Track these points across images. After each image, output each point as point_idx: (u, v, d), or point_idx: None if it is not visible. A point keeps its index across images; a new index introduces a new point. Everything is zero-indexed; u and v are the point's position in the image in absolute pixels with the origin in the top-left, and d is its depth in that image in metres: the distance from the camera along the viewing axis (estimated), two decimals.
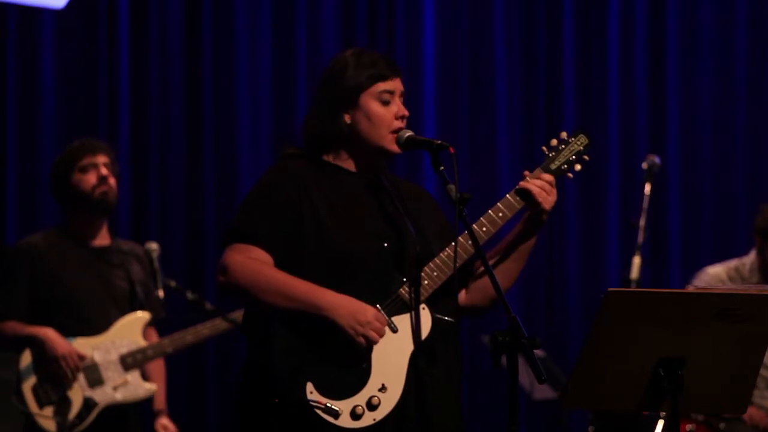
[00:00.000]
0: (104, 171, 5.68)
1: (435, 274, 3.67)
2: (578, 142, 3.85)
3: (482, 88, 7.98)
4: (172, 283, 6.01)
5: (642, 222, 6.38)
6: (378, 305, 3.62)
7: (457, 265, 3.65)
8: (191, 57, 7.52)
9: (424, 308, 3.65)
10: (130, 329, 5.68)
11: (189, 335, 5.78)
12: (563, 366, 6.86)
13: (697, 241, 7.96)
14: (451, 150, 3.65)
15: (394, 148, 3.74)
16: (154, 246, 5.92)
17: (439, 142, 3.68)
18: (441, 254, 3.68)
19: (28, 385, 5.53)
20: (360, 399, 3.58)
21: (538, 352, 3.55)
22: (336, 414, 3.55)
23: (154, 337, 5.82)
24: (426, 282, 3.66)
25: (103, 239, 5.76)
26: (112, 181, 5.70)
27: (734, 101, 8.05)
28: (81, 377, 5.55)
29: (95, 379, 5.58)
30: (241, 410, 3.67)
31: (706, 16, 8.08)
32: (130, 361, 5.64)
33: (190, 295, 5.98)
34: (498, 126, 7.95)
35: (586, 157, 3.85)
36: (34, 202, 7.19)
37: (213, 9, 7.55)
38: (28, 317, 5.58)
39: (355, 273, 3.63)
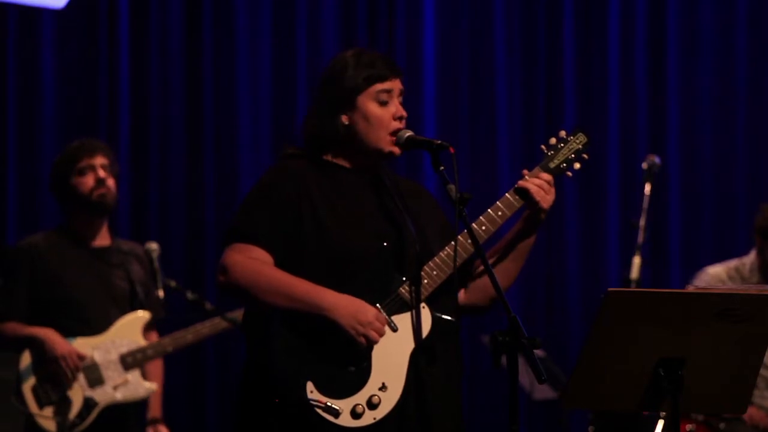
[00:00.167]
0: (102, 173, 5.68)
1: (435, 273, 3.67)
2: (577, 141, 3.85)
3: (482, 88, 7.98)
4: (172, 283, 6.01)
5: (642, 222, 6.38)
6: (378, 304, 3.62)
7: (457, 264, 3.65)
8: (191, 57, 7.52)
9: (424, 307, 3.65)
10: (130, 329, 5.68)
11: (189, 335, 5.78)
12: (563, 366, 6.86)
13: (697, 241, 7.96)
14: (451, 150, 3.65)
15: (393, 149, 3.74)
16: (154, 246, 5.92)
17: (439, 142, 3.68)
18: (441, 253, 3.68)
19: (28, 385, 5.53)
20: (360, 398, 3.58)
21: (538, 352, 3.55)
22: (336, 413, 3.56)
23: (155, 337, 5.82)
24: (426, 281, 3.66)
25: (103, 239, 5.76)
26: (110, 182, 5.70)
27: (734, 101, 8.05)
28: (81, 377, 5.55)
29: (95, 378, 5.58)
30: (241, 410, 3.67)
31: (706, 16, 8.08)
32: (130, 361, 5.64)
33: (190, 295, 5.98)
34: (498, 126, 7.95)
35: (585, 156, 3.85)
36: (34, 202, 7.19)
37: (213, 9, 7.56)
38: (28, 317, 5.58)
39: (354, 272, 3.63)
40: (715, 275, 6.22)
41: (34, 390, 5.52)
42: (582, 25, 8.07)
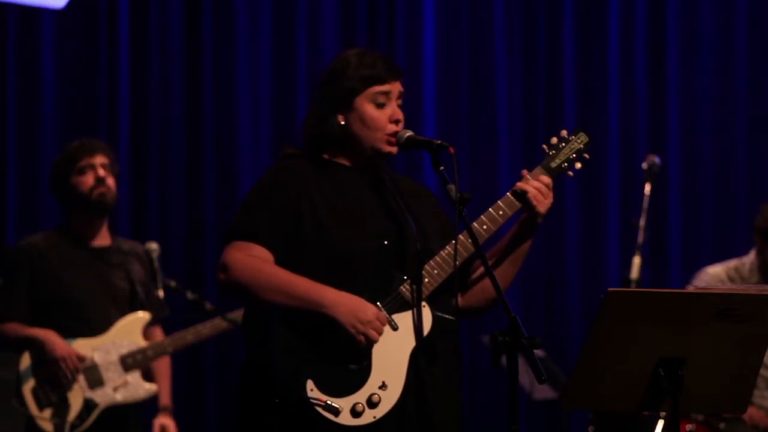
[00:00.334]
0: (102, 172, 5.68)
1: (435, 272, 3.67)
2: (579, 140, 3.85)
3: (482, 88, 7.98)
4: (172, 283, 6.01)
5: (642, 222, 6.38)
6: (378, 303, 3.62)
7: (458, 263, 3.65)
8: (191, 57, 7.52)
9: (424, 306, 3.65)
10: (131, 330, 5.68)
11: (189, 335, 5.78)
12: (563, 366, 6.86)
13: (697, 241, 7.96)
14: (451, 150, 3.65)
15: (389, 149, 3.74)
16: (154, 246, 5.92)
17: (439, 142, 3.68)
18: (442, 252, 3.68)
19: (28, 386, 5.52)
20: (360, 396, 3.58)
21: (538, 352, 3.55)
22: (336, 411, 3.56)
23: (160, 335, 5.82)
24: (426, 280, 3.66)
25: (103, 239, 5.76)
26: (110, 181, 5.70)
27: (734, 101, 8.05)
28: (81, 378, 5.54)
29: (95, 380, 5.58)
30: (241, 410, 3.67)
31: (706, 16, 8.08)
32: (131, 362, 5.63)
33: (190, 295, 5.98)
34: (498, 126, 7.95)
35: (586, 156, 3.85)
36: (34, 202, 7.19)
37: (213, 9, 7.56)
38: (28, 318, 5.57)
39: (355, 272, 3.63)
40: (715, 275, 6.22)
41: (34, 391, 5.52)
42: (582, 25, 8.07)
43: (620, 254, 7.79)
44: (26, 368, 5.53)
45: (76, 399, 5.53)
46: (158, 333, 5.84)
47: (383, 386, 3.60)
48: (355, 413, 3.57)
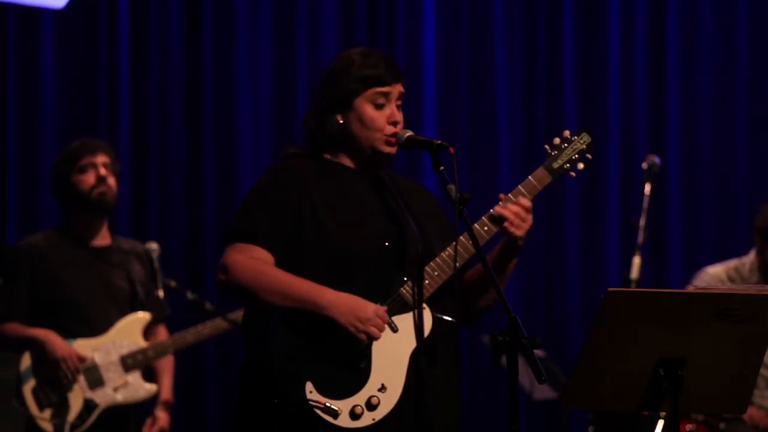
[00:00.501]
0: (103, 171, 5.67)
1: (436, 273, 3.66)
2: (581, 141, 3.85)
3: (482, 88, 7.98)
4: (172, 283, 6.01)
5: (642, 222, 6.38)
6: (378, 304, 3.62)
7: (458, 265, 3.65)
8: (191, 57, 7.52)
9: (424, 308, 3.65)
10: (131, 330, 5.68)
11: (189, 335, 5.78)
12: (563, 366, 6.86)
13: (697, 241, 7.96)
14: (451, 150, 3.64)
15: (388, 149, 3.73)
16: (154, 246, 5.92)
17: (439, 142, 3.68)
18: (442, 254, 3.67)
19: (29, 387, 5.52)
20: (359, 399, 3.58)
21: (538, 352, 3.55)
22: (335, 414, 3.55)
23: (164, 335, 5.81)
24: (427, 282, 3.65)
25: (103, 239, 5.76)
26: (111, 181, 5.70)
27: (734, 101, 8.05)
28: (81, 379, 5.54)
29: (96, 380, 5.58)
30: (241, 410, 3.67)
31: (706, 16, 8.08)
32: (131, 362, 5.63)
33: (190, 295, 5.99)
34: (498, 126, 7.95)
35: (589, 156, 3.84)
36: (34, 202, 7.19)
37: (213, 9, 7.56)
38: (28, 318, 5.57)
39: (355, 272, 3.63)
40: (715, 275, 6.23)
41: (35, 392, 5.52)
42: (582, 25, 8.07)
43: (620, 254, 7.79)
44: (26, 368, 5.53)
45: (76, 399, 5.53)
46: (162, 332, 5.83)
47: (383, 388, 3.60)
48: (354, 415, 3.57)
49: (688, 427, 5.72)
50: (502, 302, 3.42)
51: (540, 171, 3.79)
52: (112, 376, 5.60)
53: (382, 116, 3.73)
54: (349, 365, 3.59)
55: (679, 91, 8.06)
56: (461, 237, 3.65)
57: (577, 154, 3.83)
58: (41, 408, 5.51)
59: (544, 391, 6.92)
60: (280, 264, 3.65)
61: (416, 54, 7.86)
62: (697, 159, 8.04)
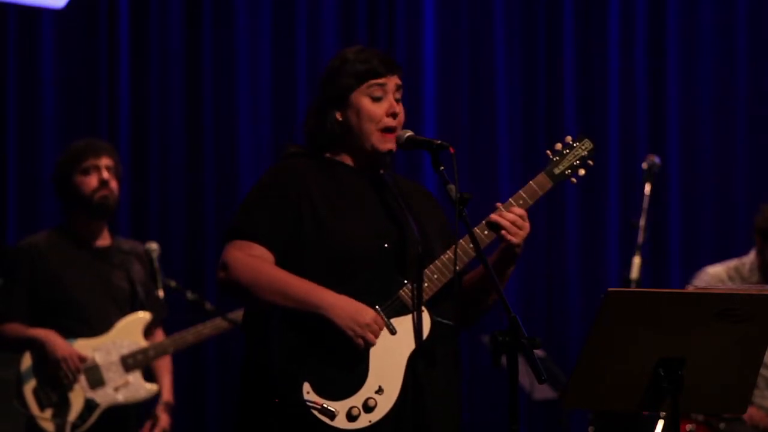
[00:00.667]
0: (106, 175, 5.67)
1: (436, 276, 3.66)
2: (583, 147, 3.85)
3: (482, 88, 7.98)
4: (172, 283, 6.01)
5: (642, 222, 6.37)
6: (377, 306, 3.62)
7: (458, 267, 3.64)
8: (191, 57, 7.52)
9: (423, 311, 3.64)
10: (131, 330, 5.68)
11: (190, 335, 5.78)
12: (563, 366, 6.86)
13: (697, 241, 7.96)
14: (451, 150, 3.64)
15: (387, 146, 3.73)
16: (154, 246, 5.92)
17: (439, 142, 3.68)
18: (442, 257, 3.67)
19: (29, 387, 5.52)
20: (356, 400, 3.58)
21: (538, 352, 3.55)
22: (332, 415, 3.55)
23: (161, 337, 5.81)
24: (426, 284, 3.65)
25: (103, 239, 5.76)
26: (113, 184, 5.69)
27: (734, 101, 8.05)
28: (82, 379, 5.54)
29: (96, 380, 5.58)
30: (241, 410, 3.67)
31: (706, 16, 8.08)
32: (131, 362, 5.63)
33: (190, 295, 5.99)
34: (498, 126, 7.95)
35: (590, 162, 3.84)
36: (34, 202, 7.19)
37: (213, 9, 7.56)
38: (28, 318, 5.57)
39: (355, 273, 3.62)
40: (715, 275, 6.23)
41: (35, 392, 5.52)
42: (582, 25, 8.07)
43: (620, 254, 7.79)
44: (27, 368, 5.53)
45: (77, 399, 5.53)
46: (159, 335, 5.84)
47: (380, 390, 3.59)
48: (351, 417, 3.57)
49: (688, 427, 5.72)
50: (502, 302, 3.42)
51: (541, 176, 3.79)
52: (113, 376, 5.60)
53: (379, 108, 3.73)
54: (347, 367, 3.58)
55: (679, 91, 8.06)
56: (461, 240, 3.65)
57: (578, 160, 3.83)
58: (42, 408, 5.51)
59: (544, 391, 6.92)
60: (280, 264, 3.64)
61: (416, 54, 7.86)
62: (697, 159, 8.04)
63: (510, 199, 3.73)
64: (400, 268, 3.66)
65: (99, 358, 5.59)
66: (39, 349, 5.51)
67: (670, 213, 7.97)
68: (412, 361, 3.62)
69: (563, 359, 7.25)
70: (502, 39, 7.98)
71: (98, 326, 5.62)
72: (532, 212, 3.77)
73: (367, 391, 3.58)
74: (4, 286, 5.62)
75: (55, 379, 5.51)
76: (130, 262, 5.78)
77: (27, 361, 5.53)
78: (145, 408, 5.78)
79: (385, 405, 3.58)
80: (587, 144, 3.85)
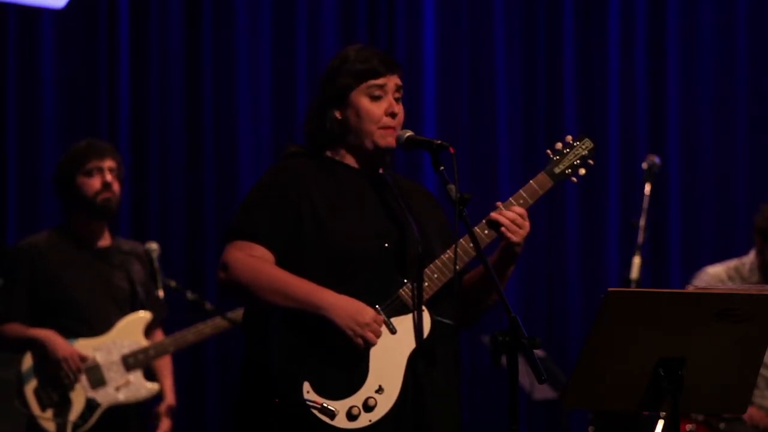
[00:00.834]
0: (109, 177, 5.66)
1: (436, 276, 3.66)
2: (583, 147, 3.85)
3: (482, 88, 7.98)
4: (172, 283, 6.01)
5: (642, 222, 6.38)
6: (377, 306, 3.62)
7: (458, 267, 3.64)
8: (191, 57, 7.52)
9: (423, 310, 3.64)
10: (132, 329, 5.68)
11: (190, 334, 5.78)
12: (563, 366, 6.86)
13: (697, 241, 7.96)
14: (451, 150, 3.64)
15: (386, 142, 3.73)
16: (154, 246, 5.92)
17: (439, 142, 3.68)
18: (443, 256, 3.67)
19: (30, 387, 5.52)
20: (356, 400, 3.58)
21: (538, 352, 3.55)
22: (332, 414, 3.55)
23: (161, 337, 5.81)
24: (426, 284, 3.65)
25: (103, 240, 5.76)
26: (116, 187, 5.69)
27: (734, 101, 8.05)
28: (83, 378, 5.54)
29: (97, 380, 5.58)
30: (241, 410, 3.67)
31: (706, 16, 8.08)
32: (132, 362, 5.63)
33: (190, 295, 5.99)
34: (498, 126, 7.95)
35: (590, 162, 3.85)
36: (34, 202, 7.19)
37: (213, 9, 7.56)
38: (28, 318, 5.57)
39: (355, 272, 3.63)
40: (715, 275, 6.23)
41: (36, 392, 5.52)
42: (582, 25, 8.07)
43: (620, 254, 7.79)
44: (28, 369, 5.53)
45: (78, 399, 5.54)
46: (158, 335, 5.84)
47: (380, 390, 3.59)
48: (351, 416, 3.57)
49: (688, 427, 5.72)
50: (502, 302, 3.42)
51: (542, 176, 3.79)
52: (114, 375, 5.60)
53: (378, 108, 3.74)
54: (347, 366, 3.59)
55: (679, 91, 8.06)
56: (461, 240, 3.65)
57: (578, 159, 3.83)
58: (43, 408, 5.51)
59: (544, 391, 6.92)
60: (280, 264, 3.65)
61: (416, 54, 7.86)
62: (697, 159, 8.04)
63: (510, 199, 3.73)
64: (400, 267, 3.66)
65: (100, 357, 5.59)
66: (40, 349, 5.51)
67: (670, 213, 7.97)
68: (413, 360, 3.62)
69: (563, 359, 7.25)
70: (502, 39, 7.98)
71: (98, 326, 5.62)
72: (533, 212, 3.77)
73: (367, 390, 3.58)
74: (4, 286, 5.62)
75: (56, 379, 5.51)
76: (130, 263, 5.78)
77: (28, 361, 5.53)
78: (146, 407, 5.78)
79: (385, 404, 3.58)
80: (588, 143, 3.86)
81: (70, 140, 5.94)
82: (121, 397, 5.61)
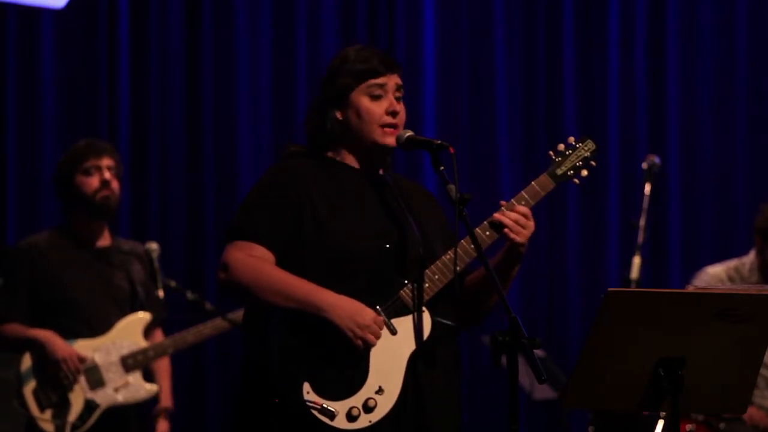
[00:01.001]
0: (107, 175, 5.67)
1: (436, 277, 3.66)
2: (585, 148, 3.85)
3: (482, 88, 7.98)
4: (172, 283, 6.01)
5: (642, 222, 6.38)
6: (378, 307, 3.62)
7: (459, 268, 3.64)
8: (191, 57, 7.52)
9: (424, 311, 3.64)
10: (131, 330, 5.68)
11: (190, 335, 5.78)
12: (563, 366, 6.86)
13: (697, 241, 7.96)
14: (451, 150, 3.64)
15: (387, 141, 3.73)
16: (154, 246, 5.92)
17: (439, 142, 3.68)
18: (443, 257, 3.67)
19: (29, 388, 5.52)
20: (356, 401, 3.57)
21: (538, 352, 3.54)
22: (332, 415, 3.55)
23: (160, 337, 5.81)
24: (427, 285, 3.64)
25: (103, 240, 5.75)
26: (114, 185, 5.69)
27: (734, 101, 8.05)
28: (82, 379, 5.54)
29: (96, 380, 5.57)
30: (241, 410, 3.67)
31: (706, 16, 8.08)
32: (131, 362, 5.63)
33: (190, 295, 5.99)
34: (498, 126, 7.95)
35: (593, 163, 3.85)
36: (34, 202, 7.19)
37: (213, 9, 7.56)
38: (28, 318, 5.57)
39: (355, 272, 3.62)
40: (715, 275, 6.22)
41: (35, 393, 5.52)
42: (582, 25, 8.07)
43: (620, 254, 7.79)
44: (27, 369, 5.53)
45: (77, 400, 5.53)
46: (158, 335, 5.84)
47: (380, 391, 3.59)
48: (351, 417, 3.56)
49: (688, 427, 5.72)
50: (503, 303, 3.42)
51: (543, 177, 3.79)
52: (113, 376, 5.60)
53: (379, 107, 3.73)
54: (347, 367, 3.58)
55: (679, 91, 8.06)
56: (462, 241, 3.65)
57: (581, 161, 3.83)
58: (42, 409, 5.51)
59: (544, 391, 6.92)
60: (281, 264, 3.64)
61: (416, 54, 7.86)
62: (697, 159, 8.04)
63: (512, 200, 3.73)
64: (401, 268, 3.66)
65: (99, 358, 5.59)
66: (39, 350, 5.50)
67: (670, 213, 7.97)
68: (413, 361, 3.62)
69: (563, 359, 7.25)
70: (502, 39, 7.98)
71: (98, 326, 5.62)
72: (533, 213, 3.76)
73: (367, 391, 3.58)
74: (4, 286, 5.62)
75: (55, 379, 5.51)
76: (130, 263, 5.78)
77: (27, 361, 5.53)
78: (146, 408, 5.78)
79: (385, 405, 3.58)
80: (590, 145, 3.85)
81: (70, 140, 5.94)
82: (120, 398, 5.60)
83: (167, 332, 5.84)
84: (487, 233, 3.68)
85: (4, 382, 5.52)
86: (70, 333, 5.56)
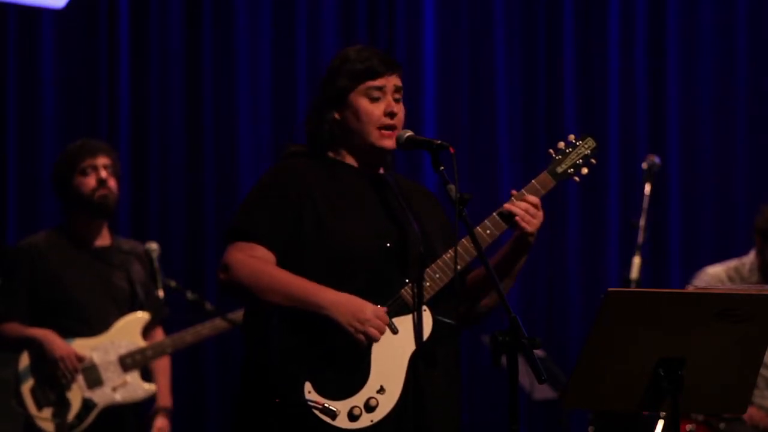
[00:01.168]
0: (104, 174, 5.67)
1: (437, 276, 3.66)
2: (586, 146, 3.85)
3: (482, 88, 7.98)
4: (172, 283, 6.01)
5: (642, 222, 6.38)
6: (379, 306, 3.62)
7: (459, 267, 3.64)
8: (191, 57, 7.52)
9: (425, 310, 3.64)
10: (130, 330, 5.68)
11: (189, 335, 5.78)
12: (563, 366, 6.86)
13: (697, 241, 7.96)
14: (451, 150, 3.64)
15: (384, 143, 3.73)
16: (154, 246, 5.92)
17: (439, 142, 3.68)
18: (444, 256, 3.67)
19: (27, 386, 5.52)
20: (358, 400, 3.57)
21: (538, 352, 3.55)
22: (333, 414, 3.55)
23: (161, 337, 5.81)
24: (428, 284, 3.65)
25: (103, 239, 5.76)
26: (112, 183, 5.69)
27: (734, 101, 8.05)
28: (80, 378, 5.54)
29: (94, 380, 5.57)
30: (241, 410, 3.67)
31: (706, 16, 8.08)
32: (130, 362, 5.63)
33: (190, 295, 5.99)
34: (498, 126, 7.95)
35: (593, 161, 3.85)
36: (34, 202, 7.19)
37: (213, 9, 7.56)
38: (28, 318, 5.57)
39: (355, 273, 3.62)
40: (715, 275, 6.22)
41: (33, 391, 5.52)
42: (582, 25, 8.07)
43: (620, 254, 7.79)
44: (25, 368, 5.53)
45: (75, 399, 5.53)
46: (159, 334, 5.84)
47: (381, 390, 3.59)
48: (353, 417, 3.56)
49: (688, 427, 5.72)
50: (503, 302, 3.42)
51: (544, 175, 3.79)
52: (111, 375, 5.60)
53: (377, 109, 3.73)
54: (348, 366, 3.58)
55: (679, 91, 8.06)
56: (463, 239, 3.65)
57: (581, 159, 3.83)
58: (40, 408, 5.51)
59: (544, 391, 6.92)
60: (281, 264, 3.64)
61: (416, 54, 7.86)
62: (697, 159, 8.04)
63: (522, 190, 3.73)
64: (402, 267, 3.66)
65: (97, 357, 5.59)
66: (37, 349, 5.51)
67: (670, 213, 7.97)
68: (414, 360, 3.62)
69: (563, 359, 7.25)
70: (502, 39, 7.98)
71: (98, 326, 5.62)
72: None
73: (368, 390, 3.58)
74: (4, 286, 5.62)
75: (53, 378, 5.51)
76: (130, 262, 5.78)
77: (25, 360, 5.53)
78: (143, 408, 5.78)
79: (386, 405, 3.58)
80: (590, 142, 3.85)
81: (70, 140, 5.93)
82: (118, 397, 5.60)
83: (167, 332, 5.84)
84: (488, 232, 3.68)
85: (2, 382, 5.52)
86: (70, 333, 5.56)
